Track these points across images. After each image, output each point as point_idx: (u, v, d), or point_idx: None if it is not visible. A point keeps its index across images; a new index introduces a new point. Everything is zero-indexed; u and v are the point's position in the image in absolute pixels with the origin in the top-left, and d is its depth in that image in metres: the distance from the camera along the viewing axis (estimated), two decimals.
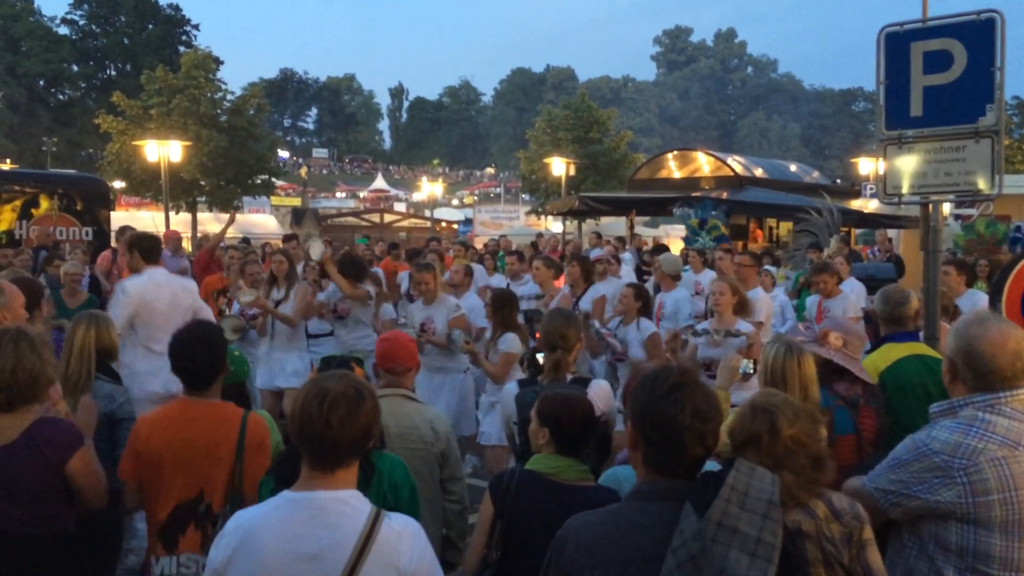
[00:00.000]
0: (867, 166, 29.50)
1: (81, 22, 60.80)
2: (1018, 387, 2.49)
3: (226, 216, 17.82)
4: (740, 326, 5.55)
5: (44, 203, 12.77)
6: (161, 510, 3.08)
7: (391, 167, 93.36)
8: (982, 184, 4.49)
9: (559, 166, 29.21)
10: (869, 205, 21.85)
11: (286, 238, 10.06)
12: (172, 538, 3.06)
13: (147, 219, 25.44)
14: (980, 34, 4.42)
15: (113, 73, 59.72)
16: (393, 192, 70.86)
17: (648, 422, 2.03)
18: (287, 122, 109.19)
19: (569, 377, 3.98)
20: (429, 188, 52.28)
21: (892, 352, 4.06)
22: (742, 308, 5.76)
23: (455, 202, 68.24)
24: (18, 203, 12.27)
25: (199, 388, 3.20)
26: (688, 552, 1.86)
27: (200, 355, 3.19)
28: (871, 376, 3.79)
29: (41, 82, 55.55)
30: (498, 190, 75.22)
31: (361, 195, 70.50)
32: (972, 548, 2.40)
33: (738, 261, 7.66)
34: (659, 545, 1.91)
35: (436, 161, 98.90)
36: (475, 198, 69.50)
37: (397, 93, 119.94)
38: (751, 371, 4.16)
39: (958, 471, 2.39)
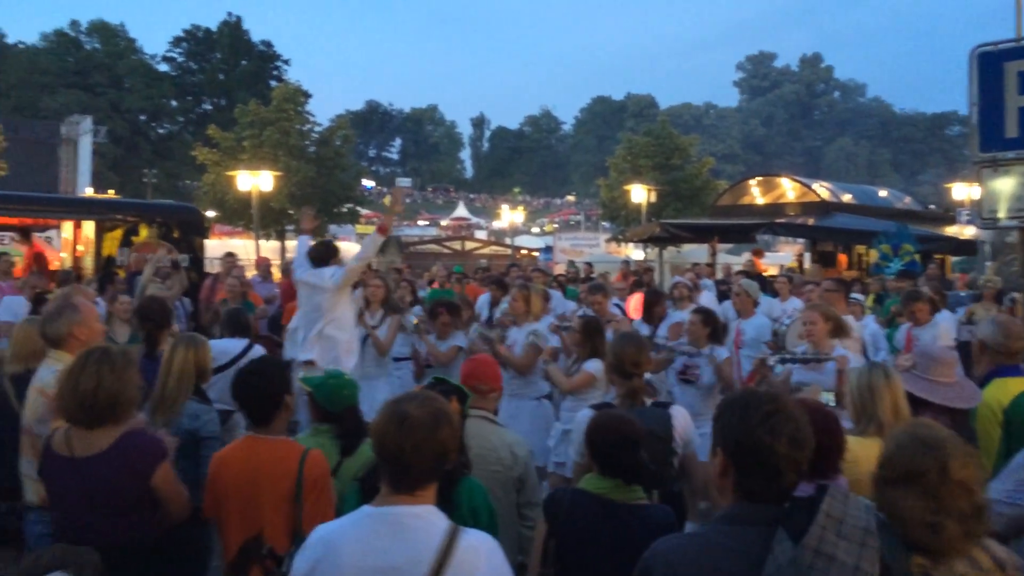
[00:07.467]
0: (962, 191, 28.48)
1: (180, 59, 63.81)
2: None
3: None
4: (838, 350, 5.23)
5: (143, 231, 13.37)
6: (232, 545, 3.07)
7: (472, 195, 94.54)
8: None
9: (639, 193, 29.04)
10: (965, 231, 21.01)
11: None
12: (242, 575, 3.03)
13: (239, 246, 26.31)
14: None
15: (209, 107, 62.30)
16: (474, 220, 71.68)
17: (743, 450, 1.97)
18: (372, 152, 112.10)
19: (649, 402, 3.92)
20: (509, 216, 52.58)
21: (1011, 386, 3.88)
22: (839, 331, 5.48)
23: (535, 230, 68.50)
24: (120, 231, 12.89)
25: (259, 423, 3.18)
26: None
27: (255, 390, 3.16)
28: (995, 412, 3.61)
29: (142, 117, 58.46)
30: (578, 217, 75.34)
31: (443, 223, 71.57)
32: None
33: (825, 287, 7.45)
34: (748, 570, 1.88)
35: (517, 189, 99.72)
36: (555, 226, 69.74)
37: (479, 123, 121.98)
38: (833, 404, 4.03)
39: None
